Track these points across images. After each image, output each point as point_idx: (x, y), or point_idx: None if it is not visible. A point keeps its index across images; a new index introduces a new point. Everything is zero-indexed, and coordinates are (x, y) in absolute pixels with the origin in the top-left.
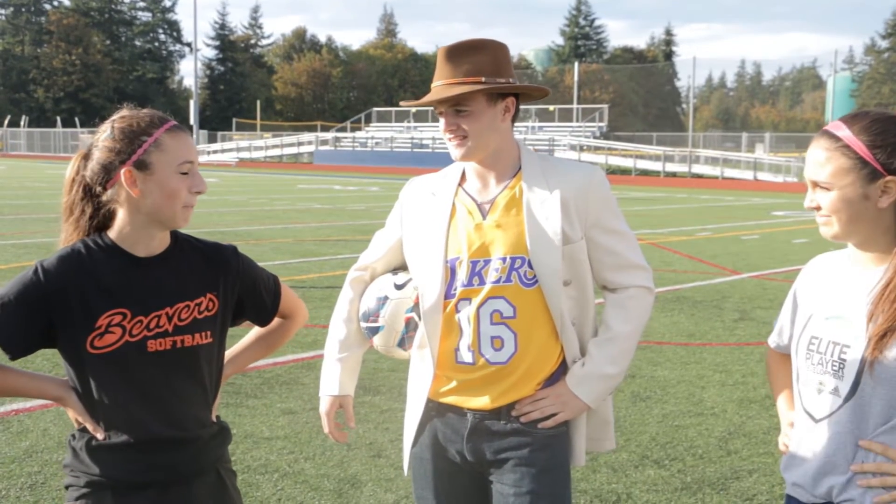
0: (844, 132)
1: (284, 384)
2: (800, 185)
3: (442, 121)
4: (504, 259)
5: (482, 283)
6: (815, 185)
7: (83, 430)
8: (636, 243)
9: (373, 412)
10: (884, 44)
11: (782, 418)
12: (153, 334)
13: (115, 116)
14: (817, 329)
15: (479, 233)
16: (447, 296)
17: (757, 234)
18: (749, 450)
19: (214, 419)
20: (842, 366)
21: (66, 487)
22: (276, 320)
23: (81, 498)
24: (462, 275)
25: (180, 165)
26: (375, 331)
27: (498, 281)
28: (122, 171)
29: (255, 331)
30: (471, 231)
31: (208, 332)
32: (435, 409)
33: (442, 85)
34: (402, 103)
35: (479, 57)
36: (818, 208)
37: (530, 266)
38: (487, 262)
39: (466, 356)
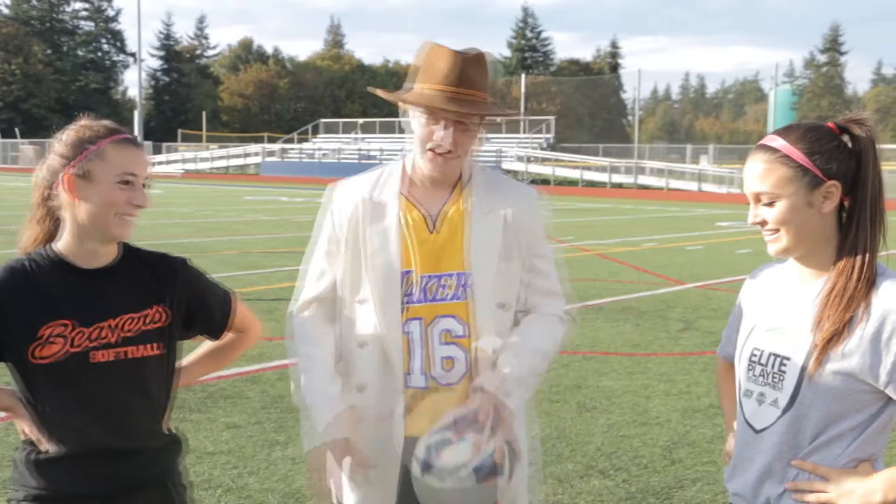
0: (780, 143)
1: (228, 398)
2: (742, 196)
3: (436, 129)
4: (452, 275)
5: (429, 299)
6: (758, 198)
7: (28, 442)
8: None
9: None
10: (822, 58)
11: (728, 428)
12: (96, 345)
13: (75, 124)
14: (759, 341)
15: (429, 246)
16: None
17: (701, 244)
18: (693, 459)
19: (167, 430)
20: (781, 378)
21: (8, 502)
22: (229, 335)
23: None
24: (412, 290)
25: (119, 175)
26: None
27: (445, 298)
28: (63, 175)
29: (207, 344)
30: (420, 243)
31: (156, 344)
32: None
33: (456, 92)
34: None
35: (485, 72)
36: (763, 223)
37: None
38: (435, 277)
39: (419, 380)
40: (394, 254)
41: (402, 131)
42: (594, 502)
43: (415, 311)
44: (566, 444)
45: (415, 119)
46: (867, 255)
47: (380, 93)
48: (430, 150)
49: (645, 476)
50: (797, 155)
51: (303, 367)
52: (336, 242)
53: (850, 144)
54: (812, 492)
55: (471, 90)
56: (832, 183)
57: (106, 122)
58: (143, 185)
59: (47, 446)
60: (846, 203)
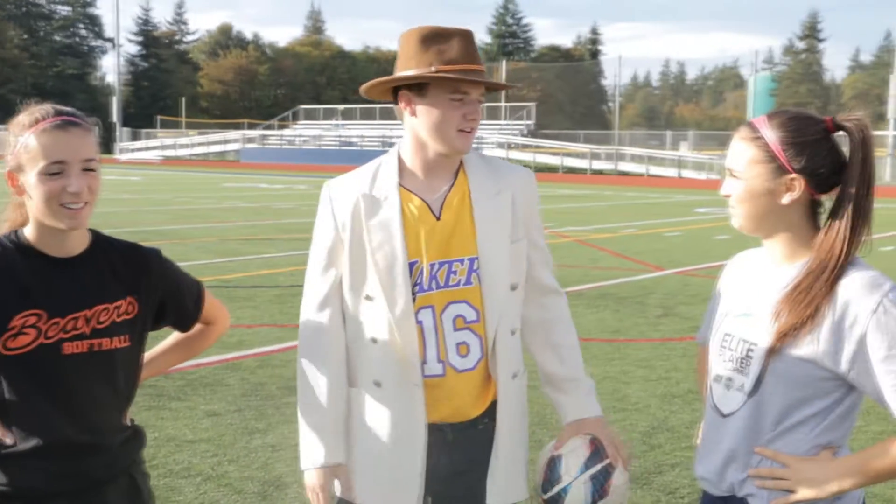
0: (763, 126)
1: (208, 385)
2: (721, 182)
3: (466, 108)
4: (462, 261)
5: (440, 286)
6: (730, 172)
7: None
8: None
9: None
10: (801, 45)
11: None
12: (69, 336)
13: (18, 114)
14: (730, 326)
15: (435, 233)
16: None
17: (680, 230)
18: (672, 444)
19: (129, 423)
20: (748, 363)
21: None
22: (197, 326)
23: None
24: (421, 279)
25: (45, 167)
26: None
27: (458, 284)
28: (5, 172)
29: (175, 335)
30: (426, 232)
31: (126, 336)
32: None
33: (475, 69)
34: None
35: None
36: (729, 196)
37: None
38: (445, 263)
39: (436, 368)
40: (398, 246)
41: (383, 118)
42: None
43: (426, 299)
44: (546, 431)
45: (434, 104)
46: (841, 257)
47: (404, 74)
48: (461, 130)
49: None
50: (771, 140)
51: (305, 384)
52: (339, 240)
53: (839, 142)
54: (773, 479)
55: (480, 65)
56: (794, 176)
57: (41, 108)
58: (91, 169)
59: (10, 439)
60: (819, 199)
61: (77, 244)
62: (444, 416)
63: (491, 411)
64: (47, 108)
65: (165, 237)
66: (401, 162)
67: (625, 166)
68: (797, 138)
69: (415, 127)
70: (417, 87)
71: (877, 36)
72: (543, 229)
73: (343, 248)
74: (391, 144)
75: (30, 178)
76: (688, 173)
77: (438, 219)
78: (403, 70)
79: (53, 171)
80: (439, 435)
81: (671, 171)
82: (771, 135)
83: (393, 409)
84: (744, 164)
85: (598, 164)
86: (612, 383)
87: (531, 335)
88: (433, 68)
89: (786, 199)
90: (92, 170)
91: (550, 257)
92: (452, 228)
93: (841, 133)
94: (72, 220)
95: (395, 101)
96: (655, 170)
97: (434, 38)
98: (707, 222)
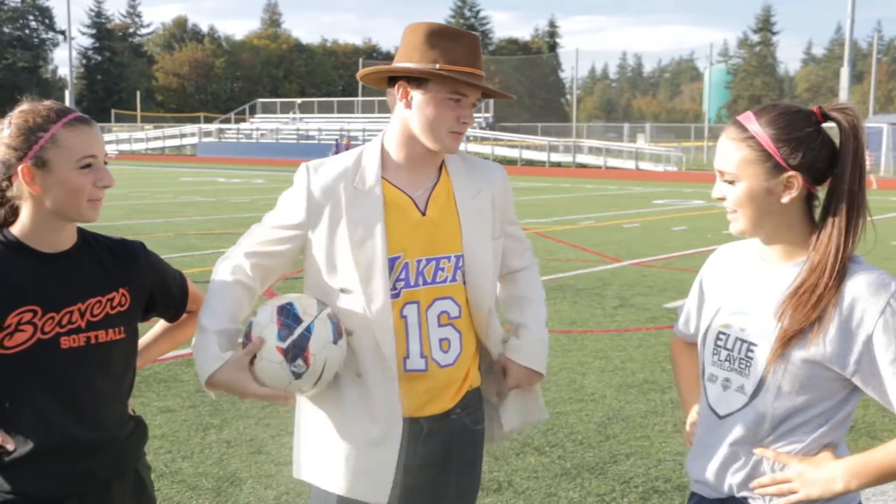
0: (752, 124)
1: (162, 382)
2: (678, 174)
3: (461, 110)
4: (449, 258)
5: (427, 282)
6: (722, 175)
7: None
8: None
9: (254, 408)
10: (755, 37)
11: (687, 411)
12: (66, 331)
13: (15, 111)
14: (725, 324)
15: (420, 229)
16: (391, 297)
17: (638, 222)
18: (627, 434)
19: (130, 412)
20: (748, 364)
21: None
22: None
23: None
24: (406, 275)
25: (80, 161)
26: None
27: (444, 281)
28: (20, 168)
29: (162, 324)
30: (410, 227)
31: (122, 328)
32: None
33: (479, 73)
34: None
35: None
36: (724, 199)
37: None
38: (432, 260)
39: (419, 363)
40: (379, 242)
41: (341, 112)
42: (530, 479)
43: (411, 294)
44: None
45: (431, 100)
46: (841, 252)
47: (405, 66)
48: (453, 131)
49: (580, 452)
50: (763, 139)
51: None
52: (305, 222)
53: (829, 134)
54: (774, 483)
55: (482, 71)
56: (792, 174)
57: (50, 104)
58: (104, 163)
59: (12, 445)
60: (816, 192)
61: (67, 239)
62: (422, 409)
63: (463, 402)
64: (51, 103)
65: (122, 232)
66: (384, 153)
67: (583, 158)
68: (790, 134)
69: (407, 119)
70: (417, 81)
71: (828, 29)
72: (517, 221)
73: (308, 230)
74: (350, 138)
75: (57, 174)
76: (645, 165)
77: (424, 214)
78: (405, 61)
79: (86, 165)
80: (416, 427)
81: (629, 163)
82: (762, 132)
83: (371, 400)
84: (736, 166)
85: (556, 157)
86: (569, 374)
87: (501, 295)
88: (437, 65)
89: (785, 197)
90: (106, 163)
91: (529, 242)
92: (438, 225)
93: (829, 124)
94: (95, 213)
95: (390, 86)
96: (613, 162)
97: (441, 36)
98: (665, 214)
